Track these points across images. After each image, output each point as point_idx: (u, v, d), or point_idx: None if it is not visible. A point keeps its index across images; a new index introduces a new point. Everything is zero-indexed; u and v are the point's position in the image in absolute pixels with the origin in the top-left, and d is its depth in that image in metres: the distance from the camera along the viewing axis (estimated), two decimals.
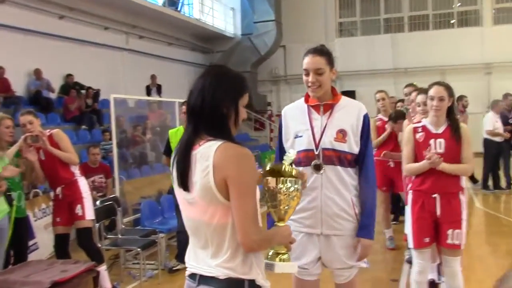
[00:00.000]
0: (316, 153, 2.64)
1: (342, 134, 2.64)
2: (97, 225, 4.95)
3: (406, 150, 3.72)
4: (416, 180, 3.67)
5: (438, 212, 3.54)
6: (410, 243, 3.68)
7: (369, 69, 17.73)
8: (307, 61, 2.64)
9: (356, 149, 2.66)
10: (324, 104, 2.69)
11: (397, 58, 17.64)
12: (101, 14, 13.15)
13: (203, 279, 1.84)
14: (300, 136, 2.69)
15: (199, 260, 1.87)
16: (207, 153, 1.78)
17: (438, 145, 3.56)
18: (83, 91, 11.85)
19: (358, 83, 17.82)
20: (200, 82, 1.88)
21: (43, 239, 5.85)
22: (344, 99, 2.75)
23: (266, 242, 1.85)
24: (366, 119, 2.69)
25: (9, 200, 4.17)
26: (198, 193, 1.80)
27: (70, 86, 11.81)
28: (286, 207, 1.97)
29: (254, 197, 1.78)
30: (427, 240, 3.58)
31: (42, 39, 11.47)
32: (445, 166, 3.47)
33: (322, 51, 2.64)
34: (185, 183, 1.83)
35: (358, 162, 2.69)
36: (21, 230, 4.52)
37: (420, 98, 4.13)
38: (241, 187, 1.75)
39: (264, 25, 17.45)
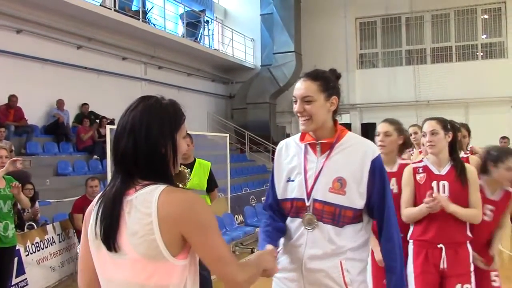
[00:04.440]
0: (307, 204, 2.15)
1: (340, 184, 2.10)
2: None
3: (405, 192, 3.32)
4: (417, 228, 3.25)
5: (445, 265, 3.13)
6: None
7: (391, 101, 17.38)
8: (296, 86, 2.20)
9: (359, 203, 2.11)
10: (320, 143, 2.19)
11: (419, 91, 17.26)
12: (119, 44, 13.24)
13: None
14: (292, 181, 2.21)
15: None
16: (148, 200, 1.50)
17: (442, 188, 3.17)
18: (97, 121, 11.84)
19: (379, 115, 17.43)
20: (128, 121, 1.58)
21: (34, 275, 5.64)
22: (351, 137, 2.22)
23: (253, 275, 1.64)
24: (375, 163, 2.12)
25: None
26: (135, 249, 1.49)
27: (84, 115, 11.83)
28: None
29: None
30: None
31: (60, 69, 11.55)
32: (456, 209, 3.08)
33: (316, 76, 2.17)
34: (111, 241, 1.52)
35: (374, 217, 2.18)
36: (5, 261, 4.34)
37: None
38: (207, 231, 1.52)
39: (284, 56, 17.35)
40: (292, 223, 2.22)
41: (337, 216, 2.10)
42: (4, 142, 8.58)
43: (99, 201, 1.59)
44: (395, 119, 3.54)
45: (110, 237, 1.52)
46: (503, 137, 9.68)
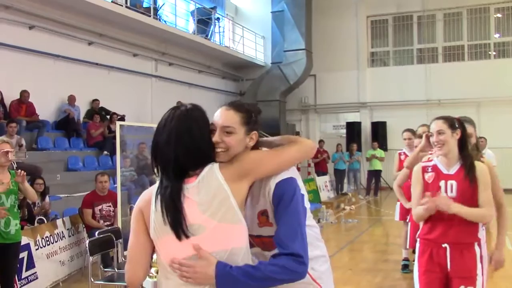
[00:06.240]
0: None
1: (265, 216, 2.01)
2: (91, 258, 4.73)
3: (414, 192, 3.28)
4: (424, 227, 3.23)
5: (449, 265, 3.09)
6: None
7: (401, 100, 17.31)
8: (216, 114, 2.02)
9: None
10: None
11: (430, 89, 17.16)
12: (130, 41, 13.29)
13: None
14: None
15: None
16: (211, 175, 1.81)
17: (450, 188, 3.11)
18: (108, 117, 11.89)
19: (389, 114, 17.40)
20: (172, 132, 1.85)
21: (44, 269, 5.69)
22: None
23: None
24: (280, 185, 1.94)
25: None
26: (213, 218, 1.75)
27: (95, 111, 11.90)
28: None
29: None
30: None
31: (71, 65, 11.63)
32: (460, 210, 3.01)
33: (240, 108, 2.00)
34: (179, 229, 1.76)
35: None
36: (8, 257, 4.32)
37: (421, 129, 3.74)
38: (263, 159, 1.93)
39: (294, 54, 17.30)
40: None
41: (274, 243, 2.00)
42: (15, 137, 8.65)
43: (157, 196, 1.83)
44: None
45: (178, 226, 1.76)
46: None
